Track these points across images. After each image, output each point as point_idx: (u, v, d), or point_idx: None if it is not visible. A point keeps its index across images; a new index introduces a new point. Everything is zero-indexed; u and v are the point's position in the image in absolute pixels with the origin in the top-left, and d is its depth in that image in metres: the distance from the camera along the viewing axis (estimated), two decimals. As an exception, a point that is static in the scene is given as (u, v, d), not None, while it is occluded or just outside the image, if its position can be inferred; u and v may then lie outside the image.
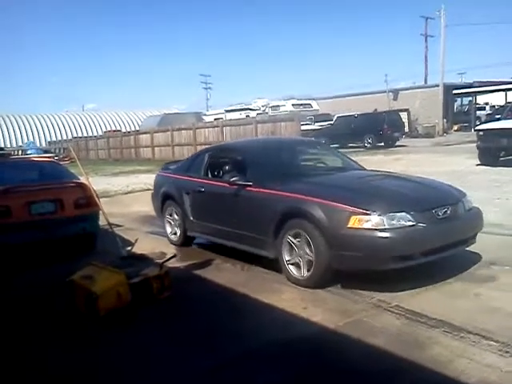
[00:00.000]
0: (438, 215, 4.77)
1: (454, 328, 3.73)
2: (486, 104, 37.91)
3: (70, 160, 33.38)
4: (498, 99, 35.50)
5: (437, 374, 3.12)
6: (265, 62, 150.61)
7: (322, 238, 4.65)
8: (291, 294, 4.75)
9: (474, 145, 14.54)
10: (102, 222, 8.57)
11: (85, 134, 46.65)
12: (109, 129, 47.71)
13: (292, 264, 5.01)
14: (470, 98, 36.60)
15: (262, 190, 5.42)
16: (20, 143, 44.87)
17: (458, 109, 39.71)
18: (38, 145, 43.68)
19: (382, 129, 24.43)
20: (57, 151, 34.25)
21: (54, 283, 5.22)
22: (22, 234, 5.97)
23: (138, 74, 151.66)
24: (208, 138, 20.97)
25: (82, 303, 4.40)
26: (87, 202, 6.49)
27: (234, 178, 5.77)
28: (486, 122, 22.78)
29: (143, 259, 6.16)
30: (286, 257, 5.05)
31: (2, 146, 43.42)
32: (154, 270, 4.78)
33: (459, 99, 38.90)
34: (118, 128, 48.62)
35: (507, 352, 3.33)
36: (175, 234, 7.10)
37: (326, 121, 28.71)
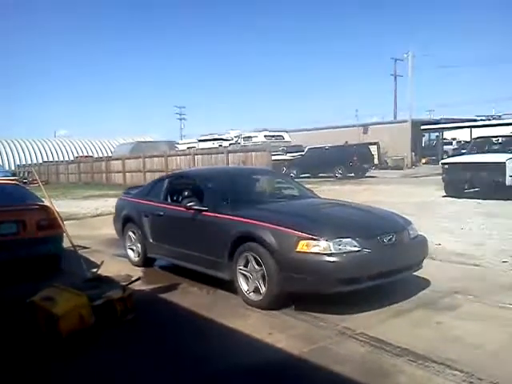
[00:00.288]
0: (383, 242, 4.96)
1: (418, 357, 3.73)
2: (454, 139, 39.35)
3: (38, 183, 32.93)
4: (464, 135, 36.79)
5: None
6: (240, 94, 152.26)
7: (272, 261, 4.81)
8: (256, 319, 4.71)
9: (441, 177, 14.94)
10: (68, 243, 8.46)
11: (56, 159, 46.11)
12: (80, 154, 47.28)
13: (246, 286, 5.16)
14: (437, 134, 37.85)
15: (217, 214, 5.61)
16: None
17: (426, 143, 41.02)
18: (7, 168, 42.93)
19: (351, 160, 24.97)
20: (25, 174, 33.65)
21: (15, 304, 5.05)
22: None
23: (112, 102, 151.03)
24: (180, 166, 20.95)
25: (43, 324, 4.29)
26: (50, 223, 6.40)
27: (190, 203, 6.02)
28: (451, 155, 23.57)
29: (108, 281, 5.98)
30: (241, 279, 5.21)
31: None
32: (117, 293, 4.69)
33: (427, 134, 40.21)
34: (90, 154, 48.27)
35: (471, 382, 3.33)
36: (136, 255, 7.27)
37: (297, 152, 29.10)
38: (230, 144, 28.00)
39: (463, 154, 17.77)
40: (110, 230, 9.83)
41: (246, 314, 4.85)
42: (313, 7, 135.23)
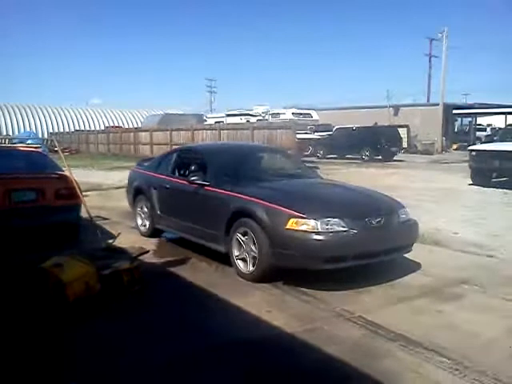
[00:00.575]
0: (372, 223, 5.13)
1: (411, 342, 3.78)
2: (489, 125, 38.14)
3: (70, 152, 33.58)
4: (500, 121, 35.72)
5: (381, 385, 3.17)
6: (271, 69, 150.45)
7: (264, 237, 5.04)
8: (259, 297, 4.81)
9: (468, 164, 14.62)
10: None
11: (87, 128, 46.72)
12: (111, 125, 47.76)
13: (240, 259, 5.41)
14: (470, 119, 36.83)
15: (217, 190, 5.84)
16: (21, 132, 44.89)
17: (459, 128, 39.98)
18: (40, 135, 43.72)
19: (379, 142, 24.55)
20: (52, 143, 34.32)
21: (29, 268, 5.22)
22: (3, 220, 6.00)
23: (145, 74, 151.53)
24: (205, 140, 21.04)
25: (52, 289, 4.48)
26: (68, 193, 6.54)
27: (193, 178, 6.17)
28: (484, 142, 22.94)
29: (121, 252, 6.17)
30: (235, 252, 5.45)
31: (5, 134, 43.59)
32: (124, 263, 4.84)
33: (460, 119, 39.18)
34: (120, 124, 48.69)
35: (457, 370, 3.37)
36: (144, 225, 7.51)
37: (325, 131, 28.78)
38: (257, 120, 27.86)
39: (494, 141, 17.31)
40: (130, 202, 10.07)
41: (250, 292, 4.95)
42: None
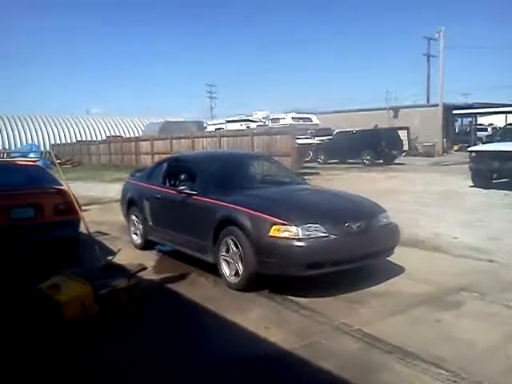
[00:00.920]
0: (352, 228, 5.21)
1: (409, 354, 3.77)
2: (490, 125, 38.02)
3: (72, 164, 33.68)
4: (502, 121, 35.62)
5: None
6: (271, 74, 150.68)
7: (248, 245, 5.13)
8: (257, 313, 4.79)
9: (468, 166, 14.57)
10: (90, 228, 8.70)
11: (89, 138, 46.75)
12: (112, 134, 47.86)
13: (227, 268, 5.49)
14: (470, 119, 36.74)
15: (205, 198, 5.92)
16: (24, 144, 44.99)
17: (459, 129, 39.87)
18: (42, 147, 43.80)
19: (380, 146, 24.49)
20: (48, 156, 34.44)
21: (25, 289, 5.22)
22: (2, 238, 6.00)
23: (147, 82, 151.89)
24: (206, 148, 21.05)
25: (48, 310, 4.46)
26: (67, 208, 6.52)
27: (182, 187, 6.25)
28: (485, 142, 22.85)
29: (120, 270, 6.18)
30: (222, 262, 5.53)
31: (4, 147, 43.65)
32: (122, 282, 4.83)
33: (460, 119, 39.07)
34: (121, 134, 48.79)
35: (455, 382, 3.37)
36: (138, 237, 7.60)
37: (326, 135, 28.77)
38: (257, 125, 27.90)
39: (495, 141, 17.22)
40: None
41: (248, 308, 4.93)
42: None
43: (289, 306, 4.93)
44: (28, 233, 6.20)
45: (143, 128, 44.56)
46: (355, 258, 5.24)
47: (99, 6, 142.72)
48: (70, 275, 4.77)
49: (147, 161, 26.49)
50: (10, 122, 48.70)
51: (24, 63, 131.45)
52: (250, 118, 30.90)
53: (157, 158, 25.72)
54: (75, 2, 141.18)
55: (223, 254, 5.51)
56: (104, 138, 43.93)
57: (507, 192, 12.66)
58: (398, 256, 6.72)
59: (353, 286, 5.37)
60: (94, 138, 45.82)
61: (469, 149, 15.56)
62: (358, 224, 5.27)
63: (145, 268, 5.56)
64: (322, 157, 27.10)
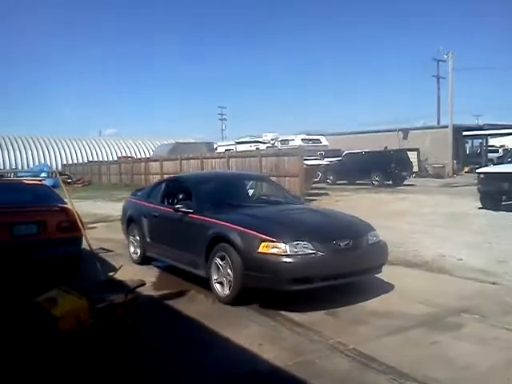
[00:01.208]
0: (339, 246, 5.39)
1: (402, 375, 3.72)
2: (502, 146, 37.73)
3: (82, 183, 34.06)
4: (512, 142, 35.41)
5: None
6: (281, 97, 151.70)
7: (239, 260, 5.33)
8: (252, 330, 4.77)
9: (476, 187, 14.46)
10: (95, 245, 8.75)
11: (100, 159, 47.36)
12: (124, 155, 48.39)
13: (218, 283, 5.68)
14: (481, 140, 36.57)
15: (199, 216, 6.15)
16: (36, 164, 45.65)
17: (470, 150, 39.66)
18: (54, 167, 44.37)
19: (389, 167, 24.43)
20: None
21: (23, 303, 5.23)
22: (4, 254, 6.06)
23: (158, 103, 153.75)
24: (215, 168, 21.16)
25: (43, 323, 4.50)
26: (70, 225, 6.60)
27: (178, 206, 6.52)
28: (495, 164, 22.68)
29: (119, 285, 6.21)
30: (214, 276, 5.72)
31: (17, 167, 44.29)
32: (119, 297, 4.86)
33: (471, 141, 38.90)
34: (133, 155, 49.30)
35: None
36: (136, 253, 7.84)
37: (335, 157, 28.79)
38: (266, 147, 28.04)
39: (505, 162, 17.07)
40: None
41: (244, 325, 4.93)
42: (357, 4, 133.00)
43: (285, 324, 4.92)
44: (30, 249, 6.26)
45: (154, 149, 45.03)
46: (343, 274, 5.40)
47: (111, 29, 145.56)
48: (67, 289, 4.80)
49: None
50: (23, 142, 49.57)
51: (39, 84, 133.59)
52: (260, 140, 31.08)
53: (166, 178, 26.06)
54: (88, 25, 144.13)
55: (214, 268, 5.70)
56: (116, 158, 44.40)
57: (517, 214, 12.52)
58: (400, 276, 6.73)
59: (350, 305, 5.38)
60: (106, 159, 46.35)
61: (477, 170, 15.45)
62: (346, 242, 5.45)
63: (143, 284, 5.59)
64: (331, 178, 27.09)
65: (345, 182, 26.58)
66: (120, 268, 7.37)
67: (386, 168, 24.55)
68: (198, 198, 6.56)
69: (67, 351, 4.25)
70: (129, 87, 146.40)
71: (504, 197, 13.66)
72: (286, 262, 5.11)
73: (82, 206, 17.30)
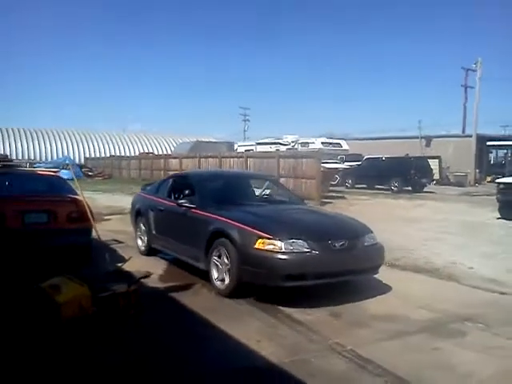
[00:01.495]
0: (335, 246, 5.52)
1: (398, 379, 3.69)
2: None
3: (103, 177, 34.51)
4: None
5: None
6: (306, 100, 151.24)
7: (236, 255, 5.49)
8: (252, 326, 4.78)
9: (495, 197, 14.24)
10: (107, 237, 8.90)
11: (123, 154, 47.94)
12: (145, 150, 48.82)
13: (217, 276, 5.83)
14: (506, 151, 35.95)
15: (202, 212, 6.35)
16: (59, 156, 46.43)
17: (495, 160, 39.01)
18: (77, 160, 45.08)
19: (409, 173, 24.21)
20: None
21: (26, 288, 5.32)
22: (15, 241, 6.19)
23: (186, 102, 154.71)
24: (233, 167, 21.22)
25: (46, 309, 4.58)
26: (80, 216, 6.71)
27: (182, 201, 6.77)
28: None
29: (126, 276, 6.30)
30: (213, 269, 5.89)
31: (41, 158, 45.11)
32: (122, 287, 4.90)
33: (495, 151, 38.27)
34: (154, 151, 49.69)
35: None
36: (143, 245, 8.08)
37: (356, 161, 28.65)
38: (286, 149, 28.01)
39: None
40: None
41: (245, 320, 4.95)
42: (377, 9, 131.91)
43: (285, 322, 4.92)
44: (40, 237, 6.40)
45: (175, 146, 45.35)
46: (337, 273, 5.52)
47: (133, 28, 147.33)
48: (70, 276, 4.88)
49: (175, 177, 26.78)
50: (48, 135, 50.46)
51: (64, 80, 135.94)
52: (280, 141, 31.04)
53: (185, 175, 26.20)
54: (117, 25, 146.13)
55: (214, 262, 5.87)
56: (137, 154, 44.85)
57: (536, 226, 12.28)
58: (408, 281, 6.69)
59: (353, 308, 5.38)
60: (128, 154, 46.86)
61: (496, 180, 15.23)
62: (342, 242, 5.57)
63: (148, 275, 5.64)
64: (350, 181, 26.98)
65: (364, 186, 26.42)
66: (129, 259, 7.45)
67: (405, 174, 24.36)
68: (200, 195, 6.76)
69: (69, 337, 4.32)
70: (155, 84, 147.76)
71: (524, 207, 13.40)
72: (280, 258, 5.26)
73: (99, 199, 17.67)
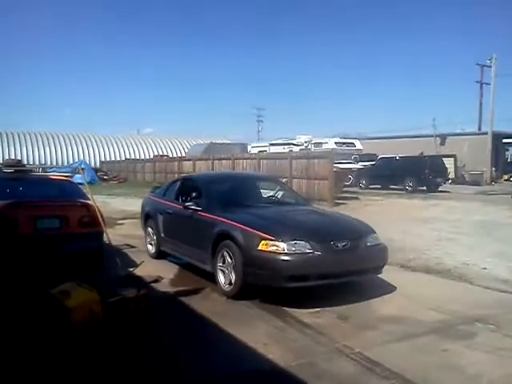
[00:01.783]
0: (337, 246, 5.55)
1: (406, 381, 3.68)
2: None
3: (118, 180, 34.77)
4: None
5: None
6: (320, 100, 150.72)
7: (240, 257, 5.55)
8: (260, 330, 4.80)
9: (510, 196, 14.10)
10: (120, 241, 9.00)
11: (137, 157, 48.23)
12: (160, 153, 49.09)
13: (222, 278, 5.92)
14: (523, 148, 35.53)
15: (207, 214, 6.44)
16: (75, 160, 46.90)
17: (511, 158, 38.56)
18: (93, 164, 45.51)
19: (423, 173, 23.99)
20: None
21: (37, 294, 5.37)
22: (27, 246, 6.28)
23: (199, 104, 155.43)
24: (246, 169, 21.23)
25: (57, 314, 4.63)
26: (91, 221, 6.78)
27: (189, 203, 6.82)
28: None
29: (137, 280, 6.37)
30: (219, 271, 5.97)
31: (54, 163, 45.60)
32: (132, 292, 4.94)
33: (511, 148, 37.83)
34: (168, 153, 49.95)
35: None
36: (152, 248, 8.15)
37: (369, 161, 28.49)
38: (300, 149, 27.98)
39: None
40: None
41: (253, 324, 4.96)
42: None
43: (294, 325, 4.93)
44: (53, 242, 6.46)
45: (189, 148, 45.52)
46: (339, 273, 5.55)
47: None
48: (79, 282, 4.94)
49: (189, 180, 26.85)
50: (64, 139, 51.01)
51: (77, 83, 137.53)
52: (293, 142, 31.03)
53: (199, 178, 26.27)
54: (135, 30, 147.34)
55: (220, 264, 5.95)
56: (152, 156, 45.08)
57: (552, 225, 12.11)
58: (418, 282, 6.66)
59: (361, 310, 5.38)
60: (143, 157, 47.11)
61: (512, 178, 15.06)
62: (344, 243, 5.60)
63: (158, 280, 5.68)
64: (364, 182, 26.78)
65: (378, 186, 26.24)
66: (141, 264, 7.52)
67: (419, 174, 24.11)
68: (207, 197, 6.82)
69: (80, 342, 4.37)
70: (169, 86, 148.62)
71: (540, 206, 13.26)
72: (283, 259, 5.32)
73: (113, 203, 17.85)
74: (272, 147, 31.26)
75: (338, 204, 16.72)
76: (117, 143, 53.32)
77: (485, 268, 7.49)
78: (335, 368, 3.92)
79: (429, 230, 11.40)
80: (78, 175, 9.68)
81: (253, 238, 5.54)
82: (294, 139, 31.65)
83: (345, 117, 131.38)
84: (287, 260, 5.31)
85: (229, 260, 5.77)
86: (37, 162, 44.29)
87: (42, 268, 6.58)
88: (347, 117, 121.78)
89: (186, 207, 6.82)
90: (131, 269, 7.14)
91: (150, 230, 8.23)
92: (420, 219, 13.29)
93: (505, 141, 34.78)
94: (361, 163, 28.49)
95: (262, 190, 8.00)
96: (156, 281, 5.67)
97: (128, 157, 48.52)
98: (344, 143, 30.23)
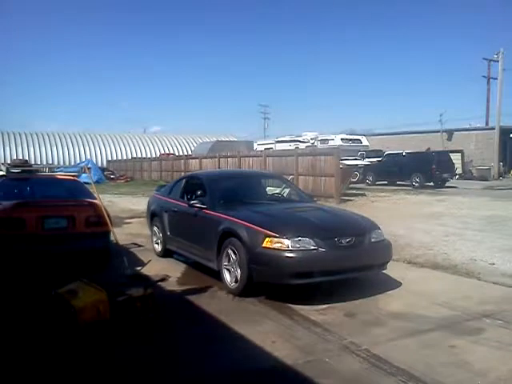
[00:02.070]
0: (341, 243, 5.57)
1: (412, 378, 3.66)
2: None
3: (125, 179, 34.89)
4: None
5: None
6: (327, 96, 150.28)
7: (245, 254, 5.59)
8: (267, 327, 4.80)
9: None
10: (127, 240, 9.05)
11: (144, 155, 48.34)
12: (166, 152, 49.15)
13: (228, 275, 5.96)
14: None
15: (212, 212, 6.46)
16: (82, 160, 47.08)
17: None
18: (100, 163, 45.70)
19: (430, 169, 23.90)
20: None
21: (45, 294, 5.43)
22: (35, 246, 6.32)
23: (205, 102, 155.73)
24: (252, 167, 21.23)
25: (65, 313, 4.68)
26: (98, 220, 6.82)
27: (194, 201, 6.88)
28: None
29: (144, 279, 6.39)
30: (224, 269, 5.99)
31: (61, 163, 45.82)
32: (139, 291, 4.97)
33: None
34: (175, 152, 49.98)
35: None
36: (158, 246, 8.18)
37: (376, 157, 28.38)
38: (306, 146, 27.89)
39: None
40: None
41: (260, 322, 4.96)
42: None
43: (301, 323, 4.92)
44: (60, 242, 6.51)
45: (195, 146, 45.52)
46: (344, 270, 5.58)
47: (156, 28, 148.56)
48: (87, 281, 4.97)
49: (196, 178, 26.87)
50: (71, 138, 51.23)
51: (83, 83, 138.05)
52: (300, 139, 30.95)
53: (205, 176, 26.27)
54: (142, 30, 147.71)
55: (225, 262, 5.98)
56: (158, 155, 45.16)
57: (561, 219, 12.02)
58: (425, 279, 6.64)
59: (368, 307, 5.37)
60: (149, 156, 47.21)
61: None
62: (348, 239, 5.62)
63: (165, 279, 5.69)
64: (371, 178, 26.74)
65: (385, 182, 26.20)
66: (148, 263, 7.55)
67: (426, 169, 24.06)
68: (211, 195, 6.85)
69: (88, 341, 4.40)
70: (177, 84, 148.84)
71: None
72: (287, 256, 5.34)
73: (120, 202, 17.88)
74: (278, 144, 31.17)
75: (345, 201, 16.70)
76: (123, 142, 53.48)
77: (493, 263, 7.46)
78: (342, 365, 3.92)
79: (436, 225, 11.36)
80: (84, 175, 9.69)
81: (257, 236, 5.56)
82: (300, 136, 31.59)
83: (351, 113, 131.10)
84: (291, 257, 5.34)
85: (234, 257, 5.81)
86: (44, 162, 44.51)
87: (50, 268, 6.63)
88: (354, 113, 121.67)
89: (191, 205, 6.85)
90: (138, 268, 7.17)
91: (155, 228, 8.27)
92: (427, 215, 13.25)
93: (512, 135, 34.52)
94: (367, 159, 28.39)
95: (266, 188, 8.02)
96: (163, 280, 5.70)
97: (134, 156, 48.65)
98: (350, 140, 30.14)
